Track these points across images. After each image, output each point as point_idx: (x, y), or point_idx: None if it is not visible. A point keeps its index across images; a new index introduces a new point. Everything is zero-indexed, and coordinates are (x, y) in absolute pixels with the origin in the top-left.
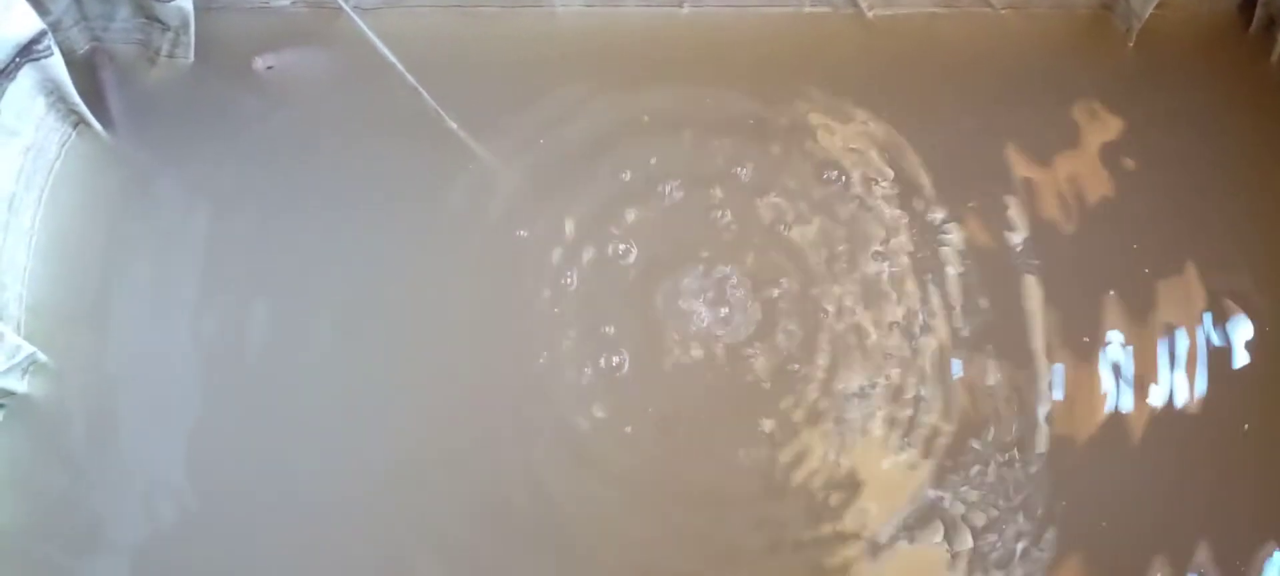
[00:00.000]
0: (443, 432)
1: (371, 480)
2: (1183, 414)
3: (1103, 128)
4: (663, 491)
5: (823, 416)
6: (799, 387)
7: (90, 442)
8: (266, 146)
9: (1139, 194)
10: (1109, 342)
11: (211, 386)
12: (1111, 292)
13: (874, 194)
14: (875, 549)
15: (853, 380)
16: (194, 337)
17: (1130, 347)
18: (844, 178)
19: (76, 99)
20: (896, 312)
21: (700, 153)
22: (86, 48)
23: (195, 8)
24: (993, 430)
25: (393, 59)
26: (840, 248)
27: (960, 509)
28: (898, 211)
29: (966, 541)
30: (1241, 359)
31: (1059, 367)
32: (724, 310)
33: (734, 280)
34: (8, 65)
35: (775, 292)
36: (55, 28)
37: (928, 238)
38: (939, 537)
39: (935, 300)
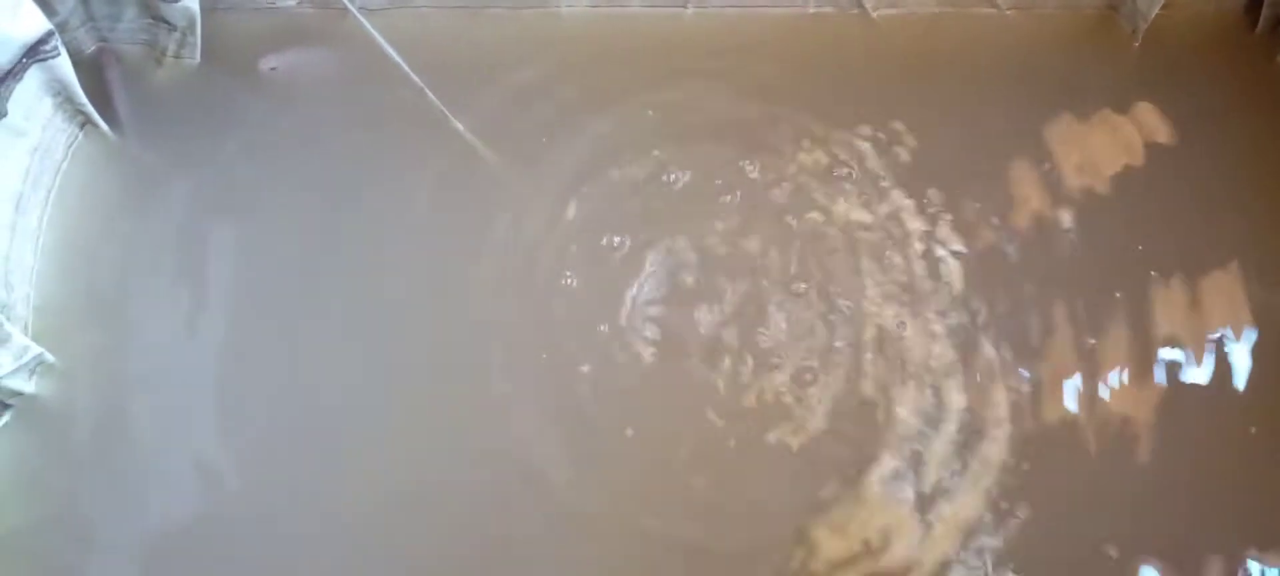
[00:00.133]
0: (444, 431)
1: (378, 475)
2: (1183, 414)
3: (1108, 128)
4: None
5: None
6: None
7: (97, 442)
8: (272, 146)
9: (1144, 194)
10: (1113, 343)
11: (218, 384)
12: (1116, 294)
13: (877, 193)
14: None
15: (864, 385)
16: (200, 337)
17: (1134, 348)
18: (847, 177)
19: (83, 99)
20: (897, 312)
21: (705, 152)
22: (93, 48)
23: (201, 8)
24: (992, 429)
25: (398, 59)
26: (842, 247)
27: (959, 511)
28: (900, 210)
29: (971, 542)
30: (1248, 360)
31: (1061, 367)
32: (726, 309)
33: (743, 279)
34: (15, 66)
35: (779, 288)
36: (62, 28)
37: (930, 236)
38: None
39: (937, 299)
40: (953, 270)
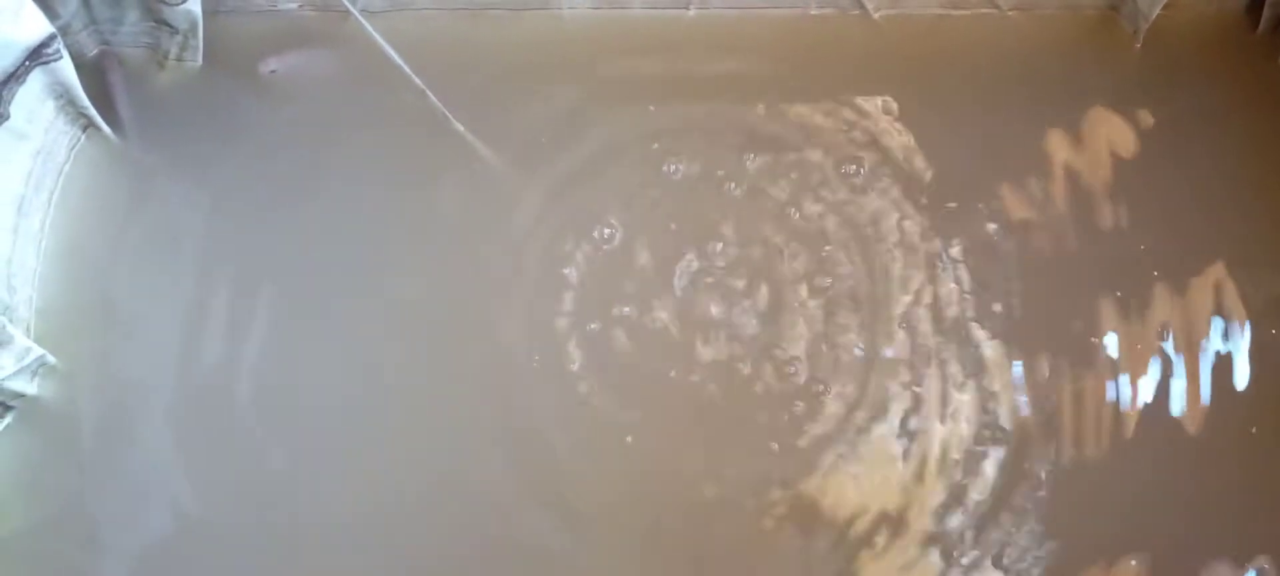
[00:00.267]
0: (445, 427)
1: (377, 480)
2: (1184, 415)
3: (1110, 128)
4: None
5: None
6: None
7: (99, 444)
8: (274, 149)
9: (1146, 195)
10: (1114, 343)
11: (218, 387)
12: (1117, 293)
13: (879, 192)
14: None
15: (850, 382)
16: (202, 339)
17: (1136, 349)
18: (849, 176)
19: (86, 102)
20: (898, 311)
21: (706, 154)
22: (95, 51)
23: (203, 11)
24: (992, 429)
25: (400, 61)
26: (844, 245)
27: (965, 515)
28: (902, 209)
29: (971, 542)
30: (1249, 361)
31: (1063, 366)
32: (728, 309)
33: (742, 277)
34: (17, 69)
35: (776, 289)
36: (64, 31)
37: (933, 236)
38: (936, 556)
39: (939, 298)
40: (953, 270)
